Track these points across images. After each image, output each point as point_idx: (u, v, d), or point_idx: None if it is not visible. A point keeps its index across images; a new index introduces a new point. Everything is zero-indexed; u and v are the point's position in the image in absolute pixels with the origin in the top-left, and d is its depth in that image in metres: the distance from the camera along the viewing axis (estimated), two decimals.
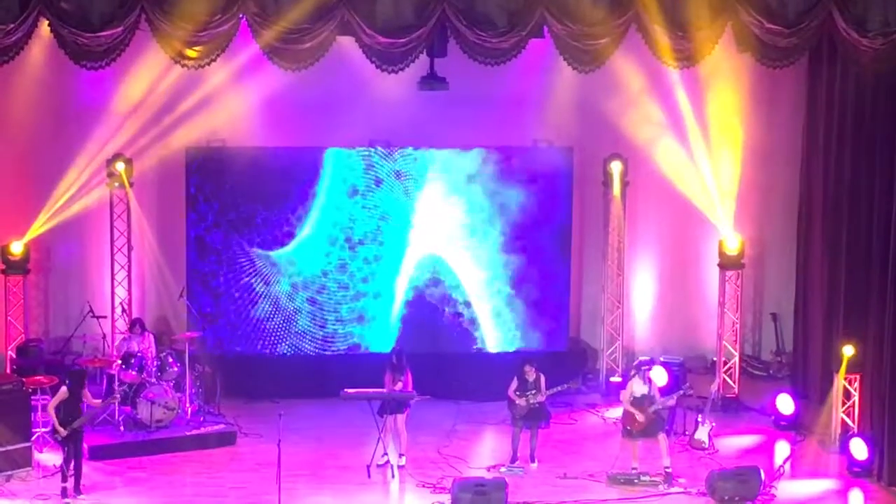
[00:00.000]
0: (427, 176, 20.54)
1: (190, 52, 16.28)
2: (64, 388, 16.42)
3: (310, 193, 20.29)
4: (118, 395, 17.88)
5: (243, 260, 20.28)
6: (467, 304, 20.78)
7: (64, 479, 16.27)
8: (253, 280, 20.32)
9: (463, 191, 20.61)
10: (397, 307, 20.67)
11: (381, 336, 20.60)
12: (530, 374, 17.41)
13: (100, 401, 17.36)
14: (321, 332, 20.55)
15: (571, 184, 20.82)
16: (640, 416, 17.07)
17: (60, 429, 16.15)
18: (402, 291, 20.64)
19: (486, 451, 18.30)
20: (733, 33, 17.03)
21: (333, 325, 20.58)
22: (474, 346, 20.81)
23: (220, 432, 18.50)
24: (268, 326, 20.42)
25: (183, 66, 16.54)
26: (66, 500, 16.18)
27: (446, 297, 20.73)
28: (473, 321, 20.80)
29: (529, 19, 16.51)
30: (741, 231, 20.76)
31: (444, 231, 20.69)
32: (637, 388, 17.23)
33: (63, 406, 16.30)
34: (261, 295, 20.36)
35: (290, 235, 20.33)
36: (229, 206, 20.17)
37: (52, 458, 16.99)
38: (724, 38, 17.00)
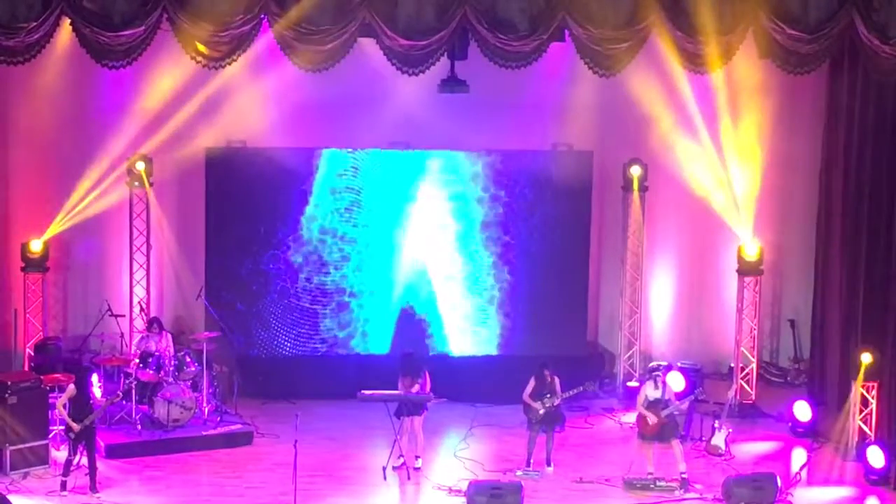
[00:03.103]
0: (446, 178, 20.51)
1: (211, 52, 16.34)
2: (72, 386, 16.54)
3: (327, 194, 20.30)
4: (121, 392, 17.79)
5: (260, 261, 20.29)
6: (482, 307, 20.78)
7: (66, 474, 16.38)
8: (269, 280, 20.33)
9: (482, 194, 20.60)
10: (408, 308, 20.67)
11: (388, 337, 20.66)
12: (546, 378, 17.40)
13: (104, 399, 17.44)
14: (341, 334, 20.56)
15: (591, 188, 20.79)
16: (651, 419, 17.06)
17: (74, 425, 16.26)
18: (412, 292, 20.64)
19: (502, 455, 18.28)
20: (754, 39, 17.05)
21: (349, 325, 20.58)
22: (486, 349, 20.82)
23: (236, 432, 18.49)
24: (285, 327, 20.43)
25: (204, 66, 16.59)
26: (65, 493, 16.28)
27: (461, 299, 20.73)
28: (488, 323, 20.80)
29: (551, 23, 16.53)
30: (760, 237, 20.69)
31: (460, 233, 20.67)
32: (650, 392, 17.22)
33: (73, 403, 16.41)
34: (278, 295, 20.37)
35: (307, 237, 20.34)
36: (247, 206, 20.18)
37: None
38: (745, 44, 16.99)
